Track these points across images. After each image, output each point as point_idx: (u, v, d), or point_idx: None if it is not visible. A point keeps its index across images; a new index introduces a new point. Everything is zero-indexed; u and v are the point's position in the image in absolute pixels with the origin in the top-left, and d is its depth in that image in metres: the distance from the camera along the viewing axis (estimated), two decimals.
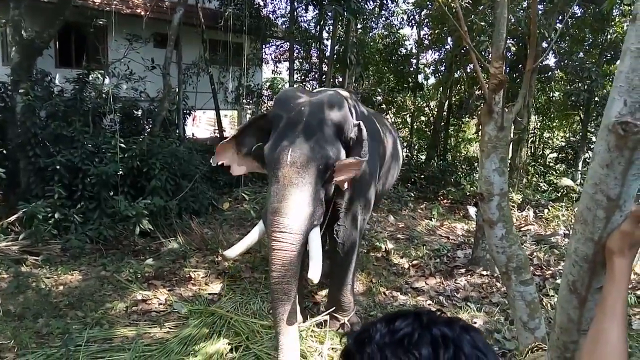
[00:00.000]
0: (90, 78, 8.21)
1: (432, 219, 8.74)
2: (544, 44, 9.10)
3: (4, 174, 6.81)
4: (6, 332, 3.99)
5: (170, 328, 4.33)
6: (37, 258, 5.81)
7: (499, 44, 1.91)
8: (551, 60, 11.95)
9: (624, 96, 0.98)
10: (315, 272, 3.23)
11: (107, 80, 8.22)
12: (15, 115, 7.11)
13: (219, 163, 3.98)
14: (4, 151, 7.24)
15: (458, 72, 12.39)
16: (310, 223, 3.36)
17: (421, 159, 13.26)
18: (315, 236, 3.43)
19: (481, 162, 1.77)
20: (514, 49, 10.18)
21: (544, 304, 4.85)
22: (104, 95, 7.94)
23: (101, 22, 8.95)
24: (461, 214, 9.39)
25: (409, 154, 13.26)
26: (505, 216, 1.69)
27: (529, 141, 12.97)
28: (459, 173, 11.71)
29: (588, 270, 1.09)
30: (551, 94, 13.70)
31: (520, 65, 10.78)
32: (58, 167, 6.60)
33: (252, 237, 3.51)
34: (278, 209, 3.26)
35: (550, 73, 12.17)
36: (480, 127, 1.89)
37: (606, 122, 1.02)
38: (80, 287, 5.18)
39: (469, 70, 11.80)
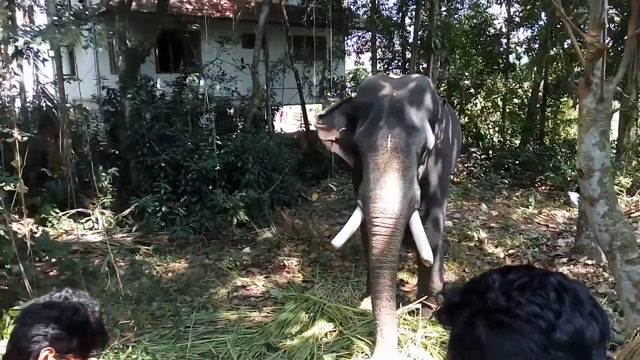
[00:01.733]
0: (187, 81, 8.82)
1: (529, 207, 8.29)
2: None
3: (117, 172, 7.56)
4: (126, 313, 4.45)
5: (268, 312, 4.57)
6: (148, 248, 6.40)
7: (596, 11, 1.81)
8: None
9: None
10: (428, 252, 3.32)
11: (202, 82, 8.75)
12: (124, 118, 7.85)
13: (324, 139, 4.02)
14: (117, 152, 8.03)
15: (554, 49, 11.56)
16: (412, 207, 3.41)
17: (515, 143, 12.57)
18: (417, 219, 3.48)
19: (579, 136, 1.69)
20: (618, 18, 9.29)
21: None
22: (200, 96, 8.48)
23: (194, 27, 9.55)
24: (561, 201, 8.81)
25: (501, 139, 12.64)
26: (607, 192, 1.61)
27: (639, 120, 11.76)
28: (559, 157, 10.93)
29: None
30: None
31: (625, 37, 9.83)
32: (163, 164, 7.18)
33: (354, 224, 3.56)
34: (380, 195, 3.31)
35: None
36: (578, 101, 1.80)
37: None
38: (186, 274, 5.63)
39: (566, 46, 10.97)
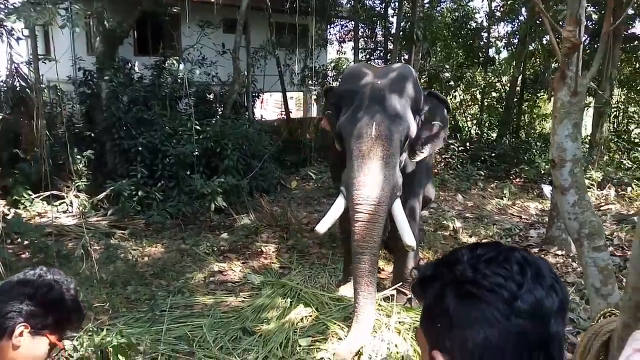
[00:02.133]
0: (167, 64, 8.67)
1: (503, 198, 8.47)
2: (630, 11, 8.42)
3: (93, 155, 7.43)
4: (101, 297, 4.41)
5: (244, 297, 4.59)
6: (124, 232, 6.33)
7: (573, 7, 1.85)
8: (638, 28, 11.03)
9: None
10: (410, 238, 3.37)
11: (181, 66, 8.63)
12: (100, 101, 7.70)
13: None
14: (92, 134, 7.87)
15: (533, 44, 11.75)
16: (394, 194, 3.45)
17: (492, 136, 12.78)
18: (399, 206, 3.52)
19: (553, 128, 1.75)
20: (595, 16, 9.48)
21: (624, 284, 4.62)
22: (179, 80, 8.36)
23: (175, 10, 9.38)
24: (535, 193, 9.02)
25: (479, 132, 12.83)
26: (578, 182, 1.67)
27: (612, 116, 12.06)
28: (533, 151, 11.18)
29: None
30: (637, 65, 12.65)
31: (601, 36, 10.02)
32: (140, 148, 7.08)
33: (338, 210, 3.58)
34: (363, 182, 3.34)
35: (636, 42, 11.22)
36: (553, 94, 1.85)
37: None
38: (163, 258, 5.59)
39: (544, 42, 11.15)
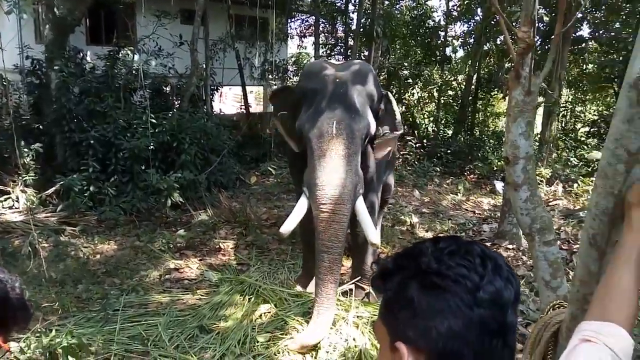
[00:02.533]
0: (121, 55, 8.38)
1: (458, 194, 8.70)
2: (579, 14, 8.79)
3: (41, 148, 7.09)
4: (50, 296, 4.23)
5: (202, 295, 4.50)
6: (74, 229, 6.08)
7: (528, 8, 1.90)
8: (585, 31, 11.55)
9: None
10: (375, 236, 3.38)
11: (136, 57, 8.35)
12: (50, 91, 7.35)
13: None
14: (41, 127, 7.51)
15: (487, 44, 12.10)
16: (357, 192, 3.45)
17: (448, 133, 13.09)
18: (362, 204, 3.52)
19: (508, 126, 1.79)
20: (547, 18, 9.86)
21: (571, 277, 4.83)
22: (134, 72, 8.09)
23: None
24: (488, 189, 9.31)
25: (435, 129, 13.11)
26: (530, 179, 1.72)
27: (560, 115, 12.60)
28: (487, 148, 11.54)
29: (608, 223, 1.13)
30: (584, 66, 13.26)
31: (553, 37, 10.43)
32: (92, 141, 6.82)
33: (301, 210, 3.54)
34: (326, 182, 3.31)
35: (584, 44, 11.75)
36: (508, 93, 1.90)
37: (628, 79, 1.04)
38: (116, 256, 5.42)
39: (499, 42, 11.50)
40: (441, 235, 0.83)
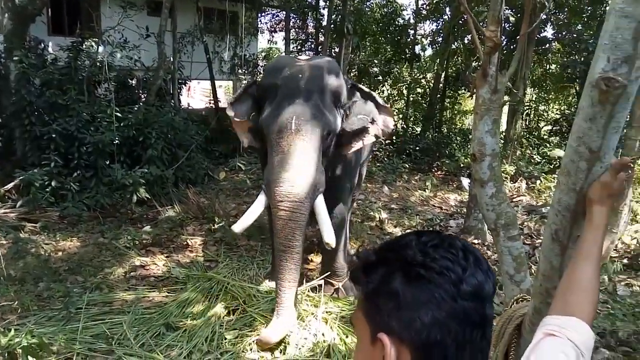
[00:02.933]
0: (84, 46, 8.11)
1: (426, 190, 8.83)
2: (543, 16, 9.03)
3: (0, 142, 6.82)
4: (8, 295, 4.07)
5: (168, 292, 4.43)
6: (35, 225, 5.88)
7: (495, 8, 1.94)
8: (549, 32, 11.89)
9: (607, 53, 1.03)
10: (331, 236, 3.30)
11: (101, 49, 8.11)
12: (9, 83, 7.07)
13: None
14: None
15: (456, 43, 12.29)
16: (316, 190, 3.40)
17: (416, 131, 13.26)
18: (322, 203, 3.46)
19: (475, 124, 1.82)
20: (513, 19, 10.09)
21: (533, 271, 4.98)
22: (98, 64, 7.86)
23: None
24: (454, 185, 9.49)
25: (404, 126, 13.26)
26: (495, 176, 1.76)
27: (524, 114, 12.95)
28: (454, 145, 11.76)
29: (570, 219, 1.16)
30: (548, 66, 13.65)
31: (518, 37, 10.70)
32: (54, 135, 6.59)
33: (257, 209, 3.47)
34: (284, 178, 3.26)
35: (547, 45, 12.10)
36: (475, 91, 1.93)
37: (590, 79, 1.06)
38: (79, 253, 5.26)
39: (466, 41, 11.70)
40: (422, 230, 0.84)
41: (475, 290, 0.70)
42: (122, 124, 7.00)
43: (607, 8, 1.07)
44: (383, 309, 0.72)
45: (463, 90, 13.78)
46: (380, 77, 13.91)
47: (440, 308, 0.69)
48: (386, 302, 0.71)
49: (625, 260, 5.26)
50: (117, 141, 6.71)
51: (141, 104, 8.13)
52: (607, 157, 1.09)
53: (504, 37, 9.57)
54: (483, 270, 0.72)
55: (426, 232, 0.77)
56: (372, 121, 3.87)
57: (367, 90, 4.11)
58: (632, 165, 1.10)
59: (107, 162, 6.81)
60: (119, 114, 6.98)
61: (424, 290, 0.69)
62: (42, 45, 7.97)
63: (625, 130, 4.45)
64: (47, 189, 6.29)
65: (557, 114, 14.60)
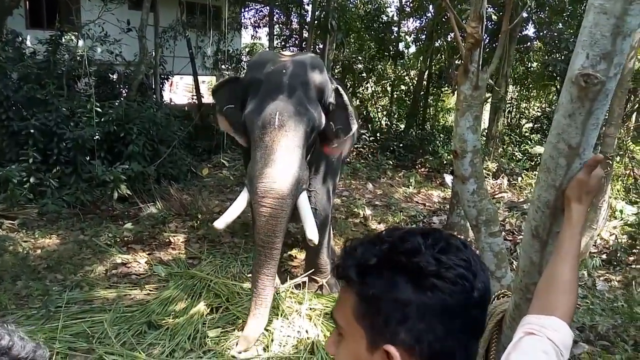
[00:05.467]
0: (64, 40, 7.96)
1: (410, 187, 8.88)
2: (524, 13, 9.13)
3: None
4: None
5: (150, 290, 4.38)
6: (13, 222, 5.75)
7: (477, 4, 1.94)
8: (530, 31, 12.01)
9: (586, 50, 1.04)
10: (313, 233, 3.29)
11: (80, 43, 7.96)
12: None
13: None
14: None
15: (439, 41, 12.35)
16: (300, 187, 3.39)
17: (400, 127, 13.31)
18: (305, 199, 3.45)
19: (456, 120, 1.83)
20: (495, 17, 10.18)
21: (514, 267, 5.04)
22: (78, 58, 7.72)
23: None
24: (438, 182, 9.55)
25: (388, 123, 13.30)
26: (477, 172, 1.76)
27: (506, 111, 13.08)
28: (437, 142, 11.83)
29: (549, 215, 1.17)
30: (529, 64, 13.81)
31: (500, 34, 10.79)
32: (32, 130, 6.44)
33: (240, 205, 3.44)
34: (267, 174, 3.24)
35: (529, 43, 12.23)
36: (456, 88, 1.94)
37: (570, 75, 1.07)
38: (58, 250, 5.17)
39: (449, 39, 11.77)
40: (414, 227, 0.81)
41: (482, 295, 0.69)
42: (102, 120, 6.88)
43: (587, 4, 1.07)
44: (389, 318, 0.68)
45: (446, 88, 13.86)
46: (364, 74, 13.93)
47: (453, 318, 0.67)
48: (393, 311, 0.67)
49: (604, 256, 5.37)
50: (97, 137, 6.60)
51: (122, 99, 7.99)
52: (586, 154, 1.10)
53: (485, 35, 9.65)
54: (484, 271, 0.71)
55: (429, 230, 0.73)
56: (349, 125, 3.80)
57: (343, 100, 3.85)
58: (608, 162, 1.11)
59: (87, 158, 6.69)
60: (99, 109, 6.86)
61: (438, 302, 0.66)
62: (20, 38, 7.80)
63: (604, 128, 4.53)
64: (26, 186, 6.16)
65: (538, 111, 14.78)
